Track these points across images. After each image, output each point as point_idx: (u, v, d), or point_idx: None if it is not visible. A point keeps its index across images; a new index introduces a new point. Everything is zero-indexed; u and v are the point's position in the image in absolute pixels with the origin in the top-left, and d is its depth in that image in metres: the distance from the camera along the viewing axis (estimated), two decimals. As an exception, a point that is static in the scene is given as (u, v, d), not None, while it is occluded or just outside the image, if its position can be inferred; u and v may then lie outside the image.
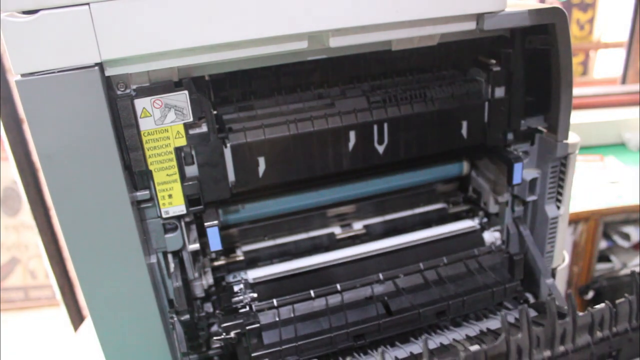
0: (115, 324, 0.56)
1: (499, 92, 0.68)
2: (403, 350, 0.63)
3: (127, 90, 0.52)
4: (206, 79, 0.59)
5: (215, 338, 0.65)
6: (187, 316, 0.61)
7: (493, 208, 0.79)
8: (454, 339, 0.63)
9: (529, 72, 0.66)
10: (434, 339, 0.64)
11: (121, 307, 0.56)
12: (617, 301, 0.51)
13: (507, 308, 0.73)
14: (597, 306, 0.51)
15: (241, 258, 0.75)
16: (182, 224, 0.59)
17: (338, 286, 0.69)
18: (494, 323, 0.66)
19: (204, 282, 0.68)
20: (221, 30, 0.48)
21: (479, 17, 0.57)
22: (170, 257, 0.61)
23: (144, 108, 0.53)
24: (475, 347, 0.60)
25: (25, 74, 0.45)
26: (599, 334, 0.50)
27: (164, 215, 0.57)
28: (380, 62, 0.68)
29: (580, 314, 0.49)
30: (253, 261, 0.75)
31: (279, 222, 0.78)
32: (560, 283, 0.76)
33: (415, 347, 0.63)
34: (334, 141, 0.63)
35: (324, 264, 0.72)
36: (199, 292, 0.68)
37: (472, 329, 0.65)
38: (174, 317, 0.61)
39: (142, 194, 0.55)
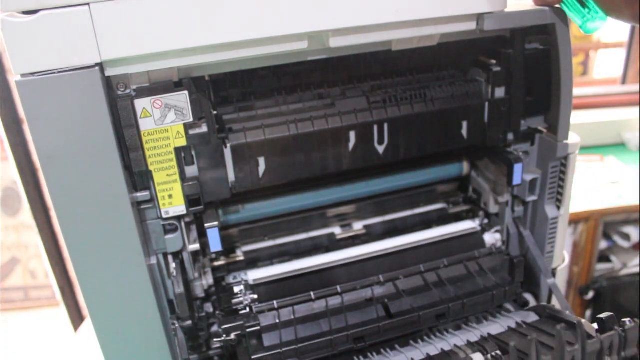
0: (115, 326, 0.56)
1: (499, 92, 0.67)
2: (404, 355, 0.63)
3: (127, 91, 0.51)
4: (206, 79, 0.59)
5: (215, 339, 0.65)
6: (189, 322, 0.61)
7: (493, 208, 0.79)
8: (455, 345, 0.63)
9: (529, 72, 0.66)
10: (435, 344, 0.64)
11: (121, 309, 0.56)
12: (626, 327, 0.50)
13: (507, 310, 0.73)
14: (607, 334, 0.50)
15: (241, 258, 0.75)
16: (182, 224, 0.59)
17: (338, 288, 0.69)
18: (495, 327, 0.66)
19: (204, 282, 0.68)
20: (221, 30, 0.48)
21: (479, 17, 0.57)
22: (170, 258, 0.61)
23: (144, 108, 0.52)
24: (477, 355, 0.60)
25: (25, 74, 0.45)
26: None
27: (164, 216, 0.57)
28: (380, 62, 0.68)
29: (590, 341, 0.48)
30: (253, 261, 0.75)
31: (279, 222, 0.78)
32: (560, 283, 0.76)
33: (416, 353, 0.63)
34: (334, 141, 0.63)
35: (324, 265, 0.72)
36: (199, 292, 0.67)
37: (473, 334, 0.65)
38: (175, 323, 0.61)
39: (143, 194, 0.55)
